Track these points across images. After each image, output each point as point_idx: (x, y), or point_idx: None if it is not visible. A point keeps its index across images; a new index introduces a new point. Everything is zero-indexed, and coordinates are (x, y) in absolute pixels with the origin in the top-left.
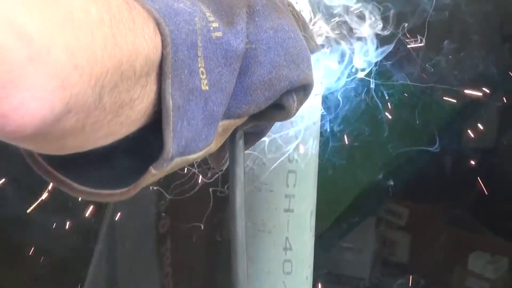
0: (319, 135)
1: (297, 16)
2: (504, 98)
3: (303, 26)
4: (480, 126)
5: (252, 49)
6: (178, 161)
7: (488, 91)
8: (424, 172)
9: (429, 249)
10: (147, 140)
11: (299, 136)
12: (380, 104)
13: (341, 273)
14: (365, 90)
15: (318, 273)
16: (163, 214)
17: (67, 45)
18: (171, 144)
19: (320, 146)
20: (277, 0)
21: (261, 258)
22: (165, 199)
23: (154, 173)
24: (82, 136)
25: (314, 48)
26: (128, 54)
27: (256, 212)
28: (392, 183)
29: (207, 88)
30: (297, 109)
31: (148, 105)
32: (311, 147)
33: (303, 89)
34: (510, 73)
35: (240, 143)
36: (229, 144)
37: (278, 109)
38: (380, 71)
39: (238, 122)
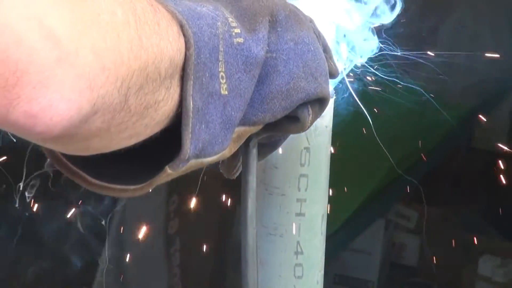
0: (331, 138)
1: (318, 35)
2: None
3: (323, 46)
4: (492, 129)
5: (272, 58)
6: (193, 163)
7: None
8: (433, 174)
9: (438, 252)
10: (162, 139)
11: (311, 140)
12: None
13: (349, 275)
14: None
15: (327, 276)
16: (172, 214)
17: (95, 46)
18: (188, 145)
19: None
20: (299, 13)
21: (272, 262)
22: (174, 200)
23: (170, 173)
24: (107, 137)
25: (333, 69)
26: (153, 56)
27: (267, 216)
28: (402, 185)
29: (226, 92)
30: (311, 123)
31: (172, 107)
32: (323, 151)
33: (319, 103)
34: None
35: (254, 151)
36: (243, 152)
37: (293, 121)
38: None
39: (253, 129)
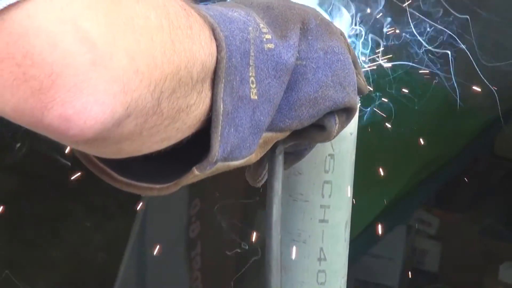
0: (355, 145)
1: (348, 47)
2: None
3: (354, 61)
4: None
5: (302, 65)
6: (220, 165)
7: None
8: (455, 180)
9: (459, 258)
10: (191, 140)
11: (336, 147)
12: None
13: (371, 281)
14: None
15: (348, 281)
16: (193, 218)
17: (129, 50)
18: (217, 148)
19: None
20: (330, 23)
21: (295, 268)
22: (196, 204)
23: (197, 174)
24: (139, 140)
25: (362, 86)
26: (186, 60)
27: (291, 222)
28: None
29: (256, 97)
30: (338, 132)
31: (203, 111)
32: (347, 158)
33: (346, 112)
34: None
35: (280, 158)
36: (269, 158)
37: (319, 129)
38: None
39: (279, 136)
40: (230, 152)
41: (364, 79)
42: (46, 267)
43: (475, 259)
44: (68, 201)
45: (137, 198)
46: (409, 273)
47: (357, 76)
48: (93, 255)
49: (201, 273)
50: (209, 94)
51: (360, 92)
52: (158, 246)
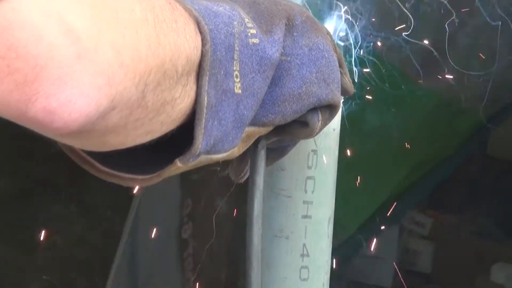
0: (338, 141)
1: (334, 47)
2: None
3: (339, 61)
4: (507, 136)
5: (286, 61)
6: (203, 158)
7: None
8: (448, 181)
9: (452, 259)
10: (175, 133)
11: (318, 142)
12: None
13: (363, 282)
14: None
15: (340, 282)
16: (185, 219)
17: (114, 43)
18: (200, 140)
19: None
20: (316, 20)
21: (278, 264)
22: (188, 204)
23: (179, 166)
24: (123, 133)
25: (348, 86)
26: (171, 53)
27: (273, 217)
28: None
29: (240, 91)
30: (320, 129)
31: (188, 105)
32: (331, 154)
33: (329, 109)
34: None
35: (262, 152)
36: (252, 152)
37: (302, 125)
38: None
39: (262, 131)
40: (213, 145)
41: (350, 79)
42: (37, 268)
43: (467, 259)
44: (60, 201)
45: (129, 199)
46: (402, 274)
47: (342, 76)
48: (84, 255)
49: (194, 274)
50: (193, 87)
51: (345, 92)
52: (155, 229)
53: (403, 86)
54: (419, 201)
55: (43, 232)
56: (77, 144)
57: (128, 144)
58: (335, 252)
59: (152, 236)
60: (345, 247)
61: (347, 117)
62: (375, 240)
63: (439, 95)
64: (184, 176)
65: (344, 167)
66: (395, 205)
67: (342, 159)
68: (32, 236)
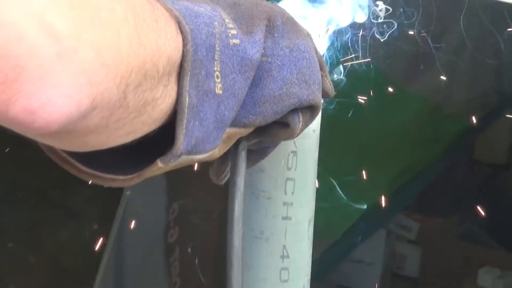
0: (318, 142)
1: (315, 49)
2: None
3: (320, 63)
4: (493, 140)
5: (267, 62)
6: (184, 159)
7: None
8: (435, 185)
9: (438, 263)
10: (156, 134)
11: (298, 144)
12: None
13: (350, 286)
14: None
15: (327, 286)
16: (172, 223)
17: (94, 43)
18: (182, 141)
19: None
20: (297, 22)
21: (258, 266)
22: (174, 209)
23: (160, 166)
24: (104, 133)
25: (328, 89)
26: (152, 53)
27: (253, 219)
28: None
29: (221, 92)
30: (301, 130)
31: (169, 105)
32: (310, 155)
33: (310, 110)
34: None
35: (243, 154)
36: (232, 154)
37: (283, 127)
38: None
39: (243, 132)
40: (194, 145)
41: (330, 82)
42: (24, 273)
43: (454, 263)
44: (47, 207)
45: (116, 204)
46: (389, 278)
47: (323, 78)
48: (71, 261)
49: (180, 278)
50: (175, 87)
51: (326, 95)
52: (136, 251)
53: (389, 90)
54: (406, 205)
55: (29, 237)
56: (59, 144)
57: (110, 144)
58: (322, 256)
59: (139, 240)
60: (332, 251)
61: (332, 121)
62: (362, 244)
63: (425, 99)
64: (171, 181)
65: (330, 171)
66: (382, 209)
67: (328, 164)
68: (16, 241)
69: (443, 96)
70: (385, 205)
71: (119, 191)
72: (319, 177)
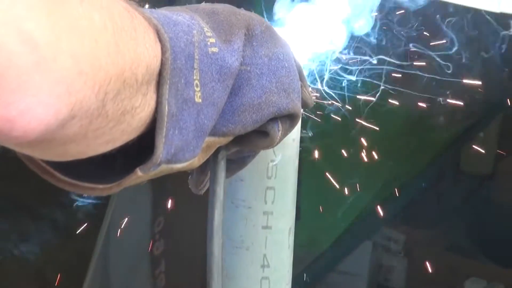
0: (298, 151)
1: (294, 59)
2: (502, 124)
3: (299, 73)
4: (478, 152)
5: (246, 71)
6: (163, 167)
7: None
8: (421, 197)
9: (425, 274)
10: (136, 143)
11: (278, 153)
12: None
13: None
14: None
15: None
16: (157, 236)
17: (73, 51)
18: (161, 149)
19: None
20: (275, 31)
21: (239, 275)
22: (160, 222)
23: (140, 175)
24: (84, 142)
25: (307, 98)
26: (130, 62)
27: (234, 228)
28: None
29: (200, 100)
30: (280, 139)
31: (148, 114)
32: (290, 164)
33: (290, 119)
34: (508, 100)
35: (222, 163)
36: (211, 163)
37: (262, 136)
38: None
39: (222, 141)
40: (174, 154)
41: (309, 92)
42: (8, 286)
43: (441, 275)
44: (31, 219)
45: (101, 217)
46: None
47: (302, 88)
48: (55, 274)
49: None
50: (154, 96)
51: (305, 105)
52: (121, 264)
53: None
54: (392, 216)
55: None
56: (38, 154)
57: (89, 153)
58: (308, 268)
59: (124, 252)
60: (319, 262)
61: (317, 132)
62: (348, 255)
63: (411, 111)
64: (156, 194)
65: (316, 183)
66: (368, 221)
67: (314, 175)
68: (3, 253)
69: (429, 108)
70: (371, 217)
71: (105, 204)
72: (306, 190)
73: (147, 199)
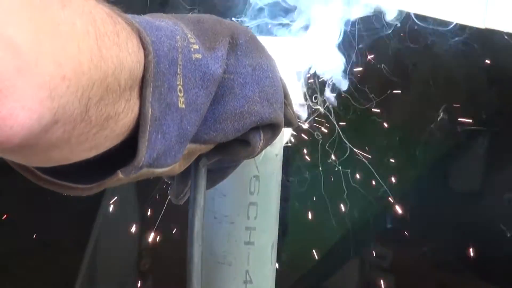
0: (281, 167)
1: (280, 79)
2: (488, 142)
3: (284, 92)
4: (465, 169)
5: (229, 79)
6: (144, 171)
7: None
8: (409, 213)
9: None
10: (119, 146)
11: (261, 168)
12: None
13: None
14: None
15: None
16: (144, 252)
17: (55, 56)
18: (144, 153)
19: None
20: (260, 42)
21: None
22: (147, 237)
23: (120, 177)
24: (67, 148)
25: (292, 118)
26: (113, 67)
27: (216, 244)
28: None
29: (184, 106)
30: (262, 149)
31: (132, 119)
32: (273, 179)
33: (272, 129)
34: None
35: (203, 171)
36: (192, 170)
37: (244, 145)
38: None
39: (203, 148)
40: (156, 158)
41: (294, 111)
42: None
43: None
44: (18, 235)
45: (88, 232)
46: None
47: (286, 107)
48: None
49: None
50: (137, 102)
51: (289, 124)
52: (108, 281)
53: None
54: (380, 233)
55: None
56: (22, 160)
57: (73, 159)
58: (294, 285)
59: (111, 269)
60: (306, 279)
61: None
62: (336, 272)
63: (399, 126)
64: (144, 209)
65: (303, 199)
66: (355, 238)
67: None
68: None
69: (416, 122)
70: (359, 233)
71: (92, 220)
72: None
73: (135, 214)
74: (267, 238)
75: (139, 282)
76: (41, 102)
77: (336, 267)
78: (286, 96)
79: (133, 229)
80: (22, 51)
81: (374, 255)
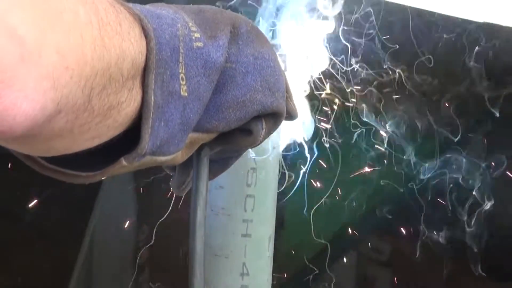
0: (279, 159)
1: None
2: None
3: (286, 85)
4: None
5: (231, 68)
6: (147, 159)
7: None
8: (406, 206)
9: (410, 285)
10: (123, 136)
11: (258, 161)
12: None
13: None
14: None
15: None
16: (141, 244)
17: (58, 46)
18: (147, 140)
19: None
20: (261, 31)
21: (218, 283)
22: (144, 230)
23: (124, 165)
24: (70, 138)
25: (293, 110)
26: (116, 56)
27: (213, 236)
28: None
29: (186, 94)
30: (264, 138)
31: (134, 109)
32: (270, 172)
33: (274, 118)
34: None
35: (205, 160)
36: (195, 160)
37: (246, 134)
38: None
39: (205, 137)
40: (159, 146)
41: (295, 104)
42: None
43: (427, 286)
44: (16, 226)
45: (85, 224)
46: None
47: (287, 100)
48: (39, 282)
49: None
50: (139, 91)
51: (290, 117)
52: (104, 278)
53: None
54: (377, 227)
55: None
56: (24, 149)
57: (75, 148)
58: (292, 281)
59: (107, 267)
60: (303, 273)
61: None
62: (332, 267)
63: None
64: (141, 201)
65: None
66: (352, 232)
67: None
68: None
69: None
70: (356, 228)
71: (89, 212)
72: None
73: (132, 207)
74: (264, 231)
75: (136, 275)
76: (45, 92)
77: (333, 260)
78: (287, 89)
79: (130, 222)
80: (26, 41)
81: (370, 247)
